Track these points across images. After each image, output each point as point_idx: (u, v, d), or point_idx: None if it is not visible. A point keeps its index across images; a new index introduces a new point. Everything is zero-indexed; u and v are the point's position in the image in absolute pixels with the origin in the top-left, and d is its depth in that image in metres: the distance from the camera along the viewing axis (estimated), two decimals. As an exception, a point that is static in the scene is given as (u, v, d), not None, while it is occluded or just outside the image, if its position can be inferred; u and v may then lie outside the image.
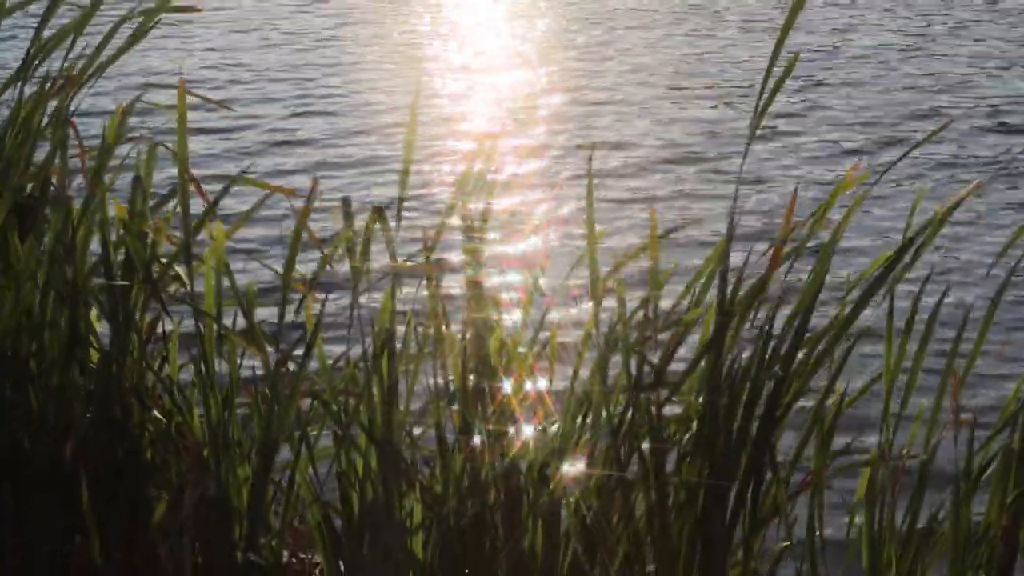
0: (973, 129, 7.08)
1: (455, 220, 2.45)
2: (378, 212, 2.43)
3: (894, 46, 8.89)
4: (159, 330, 2.70)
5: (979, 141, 6.89)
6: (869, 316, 2.31)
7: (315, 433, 2.51)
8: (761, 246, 2.38)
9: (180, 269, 2.64)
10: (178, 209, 2.59)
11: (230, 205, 5.76)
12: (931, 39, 9.10)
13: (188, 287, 2.55)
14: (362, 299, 2.39)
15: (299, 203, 2.57)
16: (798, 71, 8.07)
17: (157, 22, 3.01)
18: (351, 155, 6.84)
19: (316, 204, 2.60)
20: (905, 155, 2.56)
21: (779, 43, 2.22)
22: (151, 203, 2.70)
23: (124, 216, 2.60)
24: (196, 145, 6.80)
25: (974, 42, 9.01)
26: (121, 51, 2.93)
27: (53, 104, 2.88)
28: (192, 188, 2.59)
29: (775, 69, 2.25)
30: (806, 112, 7.51)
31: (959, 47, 8.84)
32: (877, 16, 9.75)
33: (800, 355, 2.25)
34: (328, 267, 2.62)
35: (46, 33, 2.92)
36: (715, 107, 7.63)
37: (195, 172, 2.67)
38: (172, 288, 2.70)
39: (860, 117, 7.38)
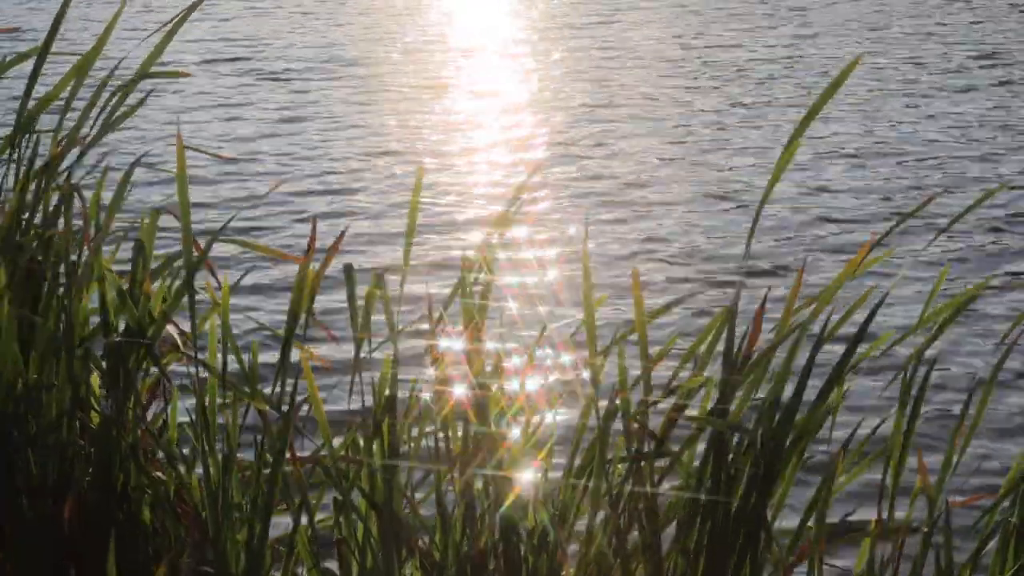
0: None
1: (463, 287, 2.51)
2: (378, 279, 2.50)
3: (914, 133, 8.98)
4: (159, 392, 2.75)
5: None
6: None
7: (315, 499, 2.55)
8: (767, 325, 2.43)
9: (174, 331, 2.70)
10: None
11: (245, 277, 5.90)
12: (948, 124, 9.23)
13: (187, 345, 2.60)
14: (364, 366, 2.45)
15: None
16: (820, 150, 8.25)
17: (152, 90, 3.09)
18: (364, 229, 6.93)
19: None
20: (894, 227, 2.59)
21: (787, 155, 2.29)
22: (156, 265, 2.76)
23: (117, 282, 2.65)
24: (205, 212, 6.93)
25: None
26: (124, 116, 3.00)
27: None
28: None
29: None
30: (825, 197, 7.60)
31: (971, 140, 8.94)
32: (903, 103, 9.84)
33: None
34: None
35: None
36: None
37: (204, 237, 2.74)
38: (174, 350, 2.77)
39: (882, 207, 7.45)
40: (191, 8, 2.97)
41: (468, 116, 9.51)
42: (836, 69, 10.70)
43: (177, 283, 2.69)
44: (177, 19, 2.93)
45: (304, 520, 2.48)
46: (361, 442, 2.45)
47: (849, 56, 11.22)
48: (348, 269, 2.59)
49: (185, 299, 2.60)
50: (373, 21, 13.52)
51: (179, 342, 2.72)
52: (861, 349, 2.35)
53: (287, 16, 13.70)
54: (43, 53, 2.99)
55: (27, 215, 2.91)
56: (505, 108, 9.72)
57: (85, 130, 2.96)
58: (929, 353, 2.42)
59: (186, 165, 2.60)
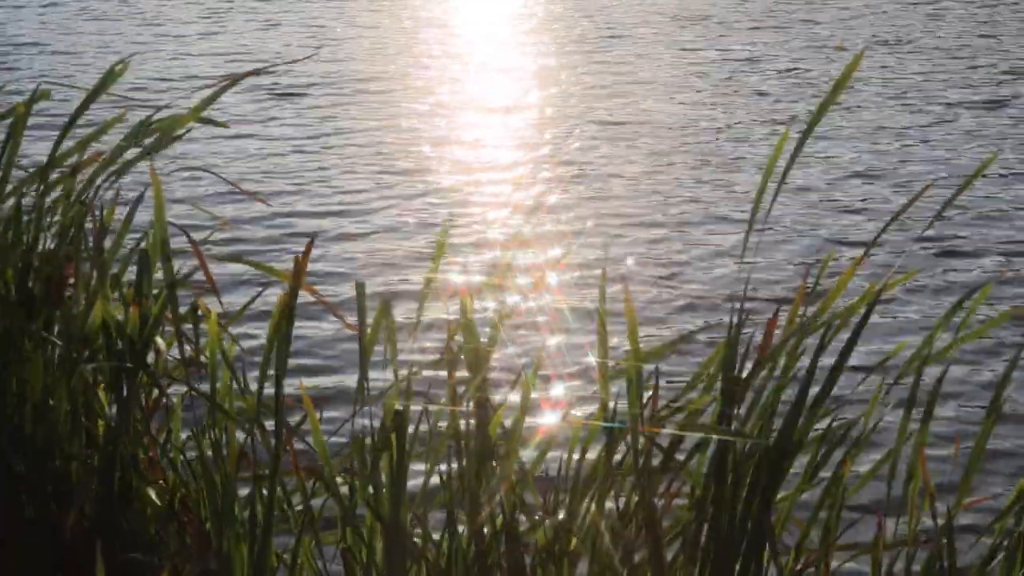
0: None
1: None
2: (386, 306, 2.55)
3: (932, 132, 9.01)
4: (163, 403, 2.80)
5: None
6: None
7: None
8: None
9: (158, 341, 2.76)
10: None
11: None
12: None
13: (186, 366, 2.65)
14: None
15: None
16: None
17: (182, 135, 3.16)
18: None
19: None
20: (887, 225, 2.61)
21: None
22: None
23: (112, 315, 2.71)
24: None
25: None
26: (139, 156, 3.07)
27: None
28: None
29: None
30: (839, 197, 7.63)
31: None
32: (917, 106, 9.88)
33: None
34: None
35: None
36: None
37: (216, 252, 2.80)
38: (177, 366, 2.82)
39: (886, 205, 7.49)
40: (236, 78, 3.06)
41: (479, 133, 9.56)
42: (855, 86, 10.71)
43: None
44: (225, 85, 3.02)
45: (308, 530, 2.52)
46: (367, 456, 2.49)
47: (868, 73, 11.23)
48: (359, 288, 2.63)
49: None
50: (385, 35, 13.59)
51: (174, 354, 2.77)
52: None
53: (299, 31, 13.78)
54: (86, 104, 3.07)
55: (36, 233, 2.99)
56: (518, 125, 9.76)
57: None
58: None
59: (163, 199, 2.69)
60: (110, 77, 3.12)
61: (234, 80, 3.05)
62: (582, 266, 6.45)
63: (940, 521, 2.37)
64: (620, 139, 9.22)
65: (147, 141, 3.01)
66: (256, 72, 3.26)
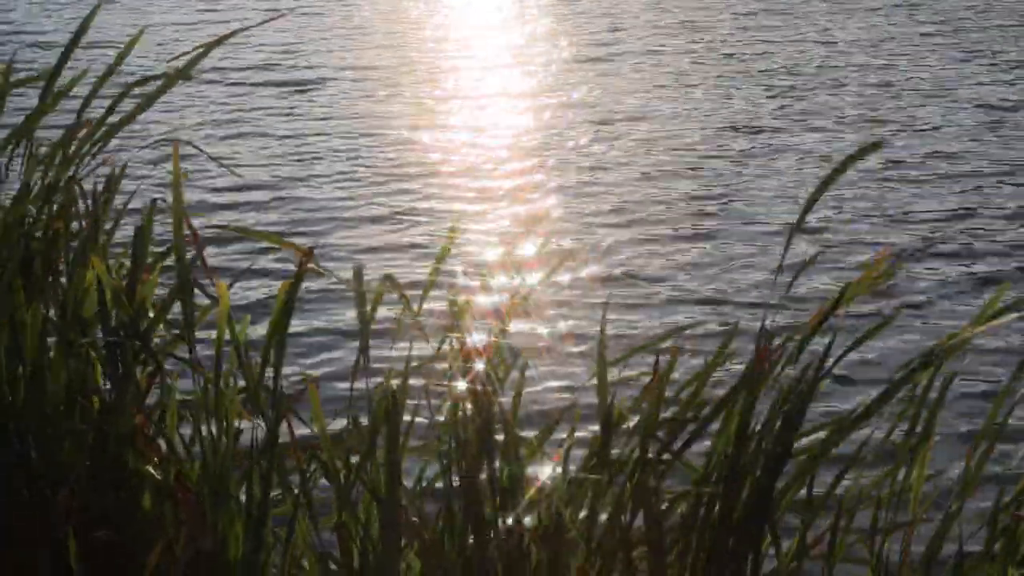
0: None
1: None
2: (389, 279, 2.61)
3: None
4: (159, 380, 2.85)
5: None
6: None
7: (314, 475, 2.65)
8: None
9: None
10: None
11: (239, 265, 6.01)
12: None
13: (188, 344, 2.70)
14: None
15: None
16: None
17: (167, 90, 3.22)
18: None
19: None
20: (926, 247, 2.67)
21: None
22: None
23: (108, 283, 2.75)
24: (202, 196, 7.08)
25: None
26: (129, 116, 3.13)
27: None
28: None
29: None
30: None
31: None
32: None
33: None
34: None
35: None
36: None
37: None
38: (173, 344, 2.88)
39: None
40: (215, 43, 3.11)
41: (489, 127, 9.58)
42: (871, 79, 10.69)
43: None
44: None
45: (303, 507, 2.57)
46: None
47: (887, 68, 11.20)
48: (357, 273, 2.68)
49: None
50: (393, 31, 13.60)
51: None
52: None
53: (305, 24, 13.80)
54: (60, 65, 3.12)
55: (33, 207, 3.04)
56: (529, 119, 9.77)
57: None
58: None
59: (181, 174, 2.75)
60: (88, 20, 3.18)
61: (218, 41, 3.10)
62: (589, 263, 6.49)
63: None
64: (634, 135, 9.23)
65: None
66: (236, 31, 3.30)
